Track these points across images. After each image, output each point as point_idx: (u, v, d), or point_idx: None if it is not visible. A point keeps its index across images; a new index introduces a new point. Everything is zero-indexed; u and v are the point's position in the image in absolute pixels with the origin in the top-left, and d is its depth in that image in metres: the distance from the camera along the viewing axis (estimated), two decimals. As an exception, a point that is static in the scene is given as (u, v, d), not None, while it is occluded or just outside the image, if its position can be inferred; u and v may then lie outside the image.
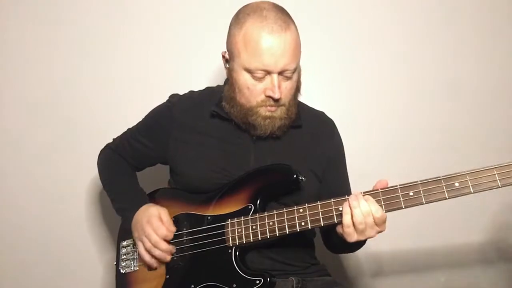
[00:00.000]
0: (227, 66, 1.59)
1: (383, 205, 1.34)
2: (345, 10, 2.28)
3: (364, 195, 1.36)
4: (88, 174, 2.13)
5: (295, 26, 1.51)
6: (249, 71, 1.48)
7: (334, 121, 1.76)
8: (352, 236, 1.36)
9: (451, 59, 2.30)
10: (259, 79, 1.49)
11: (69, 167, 2.21)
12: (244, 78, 1.50)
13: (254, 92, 1.50)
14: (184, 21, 2.24)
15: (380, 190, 1.35)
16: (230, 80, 1.57)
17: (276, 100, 1.49)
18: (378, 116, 2.28)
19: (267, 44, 1.44)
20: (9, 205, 2.20)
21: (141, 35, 2.24)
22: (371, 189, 1.38)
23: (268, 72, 1.47)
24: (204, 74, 2.20)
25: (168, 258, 1.54)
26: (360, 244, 1.50)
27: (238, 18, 1.52)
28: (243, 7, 1.54)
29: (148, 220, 1.53)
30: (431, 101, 2.29)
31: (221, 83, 1.71)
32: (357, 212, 1.33)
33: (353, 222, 1.34)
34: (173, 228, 1.54)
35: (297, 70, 1.55)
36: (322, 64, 2.20)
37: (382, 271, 2.27)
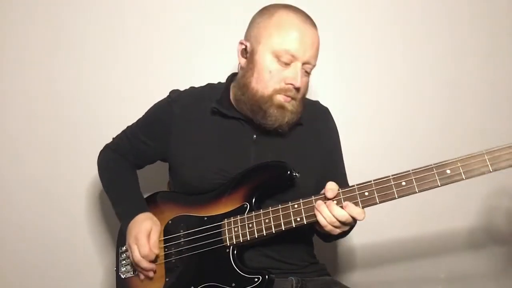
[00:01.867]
0: (245, 55, 1.58)
1: (376, 196, 1.34)
2: (345, 9, 2.28)
3: (348, 189, 1.37)
4: (88, 174, 2.14)
5: None
6: (276, 54, 1.49)
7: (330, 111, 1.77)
8: (334, 231, 1.39)
9: (451, 59, 2.29)
10: (284, 65, 1.49)
11: (69, 168, 2.21)
12: (268, 62, 1.50)
13: (276, 77, 1.50)
14: (184, 20, 2.25)
15: (373, 181, 1.35)
16: (248, 66, 1.55)
17: (296, 89, 1.51)
18: (378, 115, 2.27)
19: (301, 31, 1.49)
20: (9, 207, 2.21)
21: (142, 34, 2.24)
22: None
23: (294, 59, 1.49)
24: (205, 72, 2.19)
25: (150, 274, 1.56)
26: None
27: (267, 10, 1.56)
28: (269, 5, 1.58)
29: (136, 236, 1.55)
30: (431, 101, 2.28)
31: (222, 80, 1.73)
32: (325, 215, 1.36)
33: (328, 223, 1.36)
34: (156, 251, 1.55)
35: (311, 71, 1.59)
36: (322, 63, 2.20)
37: (378, 264, 2.26)
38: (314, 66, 1.55)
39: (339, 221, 1.35)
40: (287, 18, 1.50)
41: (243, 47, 1.59)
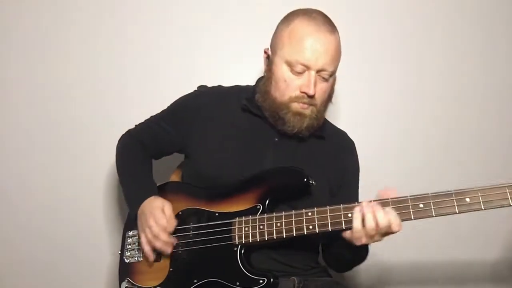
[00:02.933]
0: (267, 62, 1.62)
1: None
2: (348, 12, 2.28)
3: (378, 202, 1.36)
4: (99, 164, 2.15)
5: (339, 36, 1.57)
6: (289, 64, 1.52)
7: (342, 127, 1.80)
8: (360, 240, 1.36)
9: (458, 64, 2.30)
10: (298, 74, 1.52)
11: (79, 158, 2.22)
12: (282, 71, 1.53)
13: (290, 86, 1.53)
14: (198, 23, 2.25)
15: (390, 199, 1.35)
16: (267, 74, 1.60)
17: (310, 97, 1.52)
18: (382, 118, 2.28)
19: (312, 40, 1.50)
20: (16, 196, 2.22)
21: (156, 34, 2.24)
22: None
23: (307, 68, 1.51)
24: (221, 76, 2.16)
25: (168, 250, 1.54)
26: (360, 258, 1.53)
27: (287, 18, 1.58)
28: (293, 10, 1.60)
29: (151, 211, 1.54)
30: (433, 103, 2.29)
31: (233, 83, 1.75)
32: (369, 217, 1.33)
33: (363, 227, 1.34)
34: (174, 222, 1.54)
35: (333, 76, 1.58)
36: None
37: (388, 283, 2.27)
38: (332, 71, 1.55)
39: (376, 225, 1.32)
40: (300, 28, 1.52)
41: (266, 55, 1.63)
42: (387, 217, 1.32)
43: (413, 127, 2.28)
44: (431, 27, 2.30)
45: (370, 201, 1.36)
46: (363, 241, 1.36)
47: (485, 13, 2.31)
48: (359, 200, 1.63)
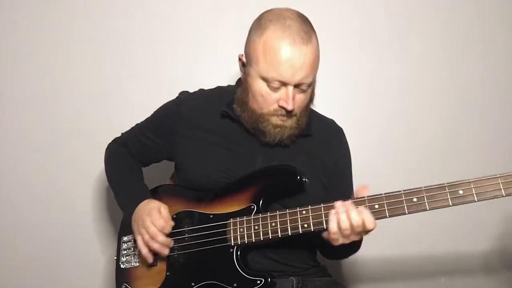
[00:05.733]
0: (243, 70, 1.58)
1: (386, 210, 1.34)
2: (347, 10, 2.27)
3: (358, 200, 1.36)
4: (93, 168, 2.14)
5: (317, 38, 1.50)
6: (265, 79, 1.47)
7: (342, 127, 1.76)
8: (337, 242, 1.37)
9: (456, 63, 2.29)
10: (275, 89, 1.47)
11: (75, 161, 2.22)
12: (259, 86, 1.49)
13: (268, 100, 1.49)
14: (194, 22, 2.24)
15: (384, 195, 1.35)
16: (244, 84, 1.56)
17: (289, 112, 1.49)
18: (381, 118, 2.27)
19: (287, 55, 1.42)
20: (13, 198, 2.21)
21: (152, 35, 2.23)
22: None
23: (284, 84, 1.46)
24: (214, 75, 2.19)
25: (165, 251, 1.52)
26: (353, 249, 1.52)
27: (260, 24, 1.49)
28: (266, 12, 1.52)
29: (147, 213, 1.53)
30: (433, 103, 2.29)
31: (231, 83, 1.71)
32: (343, 218, 1.33)
33: (339, 228, 1.34)
34: (171, 223, 1.54)
35: (312, 85, 1.54)
36: (323, 66, 2.19)
37: (386, 281, 2.27)
38: (310, 82, 1.50)
39: (351, 225, 1.33)
40: (273, 41, 1.43)
41: (241, 62, 1.58)
42: (361, 216, 1.33)
43: (413, 128, 2.28)
44: (431, 27, 2.29)
45: (350, 203, 1.36)
46: (340, 241, 1.37)
47: (486, 12, 2.31)
48: (353, 189, 1.67)
